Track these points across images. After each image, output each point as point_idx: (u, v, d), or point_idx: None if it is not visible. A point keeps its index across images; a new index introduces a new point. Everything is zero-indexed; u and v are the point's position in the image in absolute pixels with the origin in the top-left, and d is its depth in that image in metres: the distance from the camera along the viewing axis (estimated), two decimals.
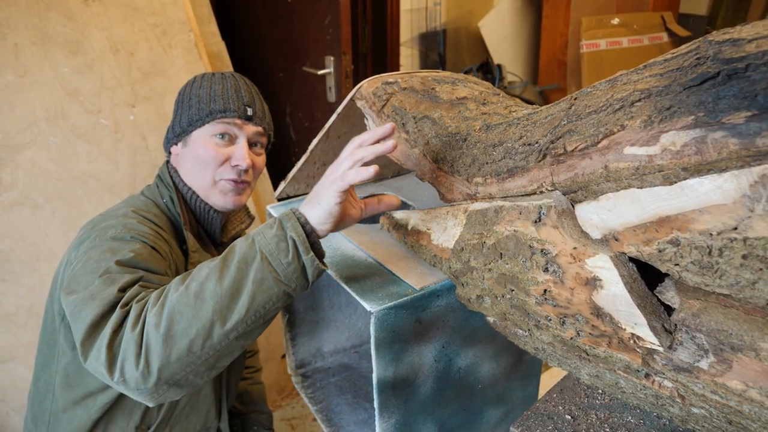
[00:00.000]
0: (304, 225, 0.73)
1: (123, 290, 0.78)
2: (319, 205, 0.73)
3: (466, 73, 2.84)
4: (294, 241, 0.72)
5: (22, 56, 1.45)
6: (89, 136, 1.56)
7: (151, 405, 0.77)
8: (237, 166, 1.04)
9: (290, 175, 1.05)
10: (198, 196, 1.07)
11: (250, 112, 1.06)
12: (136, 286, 0.79)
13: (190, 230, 1.05)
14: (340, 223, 0.75)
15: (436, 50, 2.85)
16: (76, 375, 0.96)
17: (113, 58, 1.61)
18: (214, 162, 1.04)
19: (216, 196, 1.07)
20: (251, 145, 1.08)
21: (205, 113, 1.03)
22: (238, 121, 1.04)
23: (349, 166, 0.71)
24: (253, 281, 0.71)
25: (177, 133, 1.07)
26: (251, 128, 1.07)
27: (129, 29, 1.64)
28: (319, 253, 0.75)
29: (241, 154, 1.04)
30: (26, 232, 1.47)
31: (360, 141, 0.73)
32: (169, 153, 1.11)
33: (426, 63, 2.86)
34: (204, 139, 1.04)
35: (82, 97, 1.55)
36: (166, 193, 1.06)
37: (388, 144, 0.70)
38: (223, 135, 1.04)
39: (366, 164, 0.71)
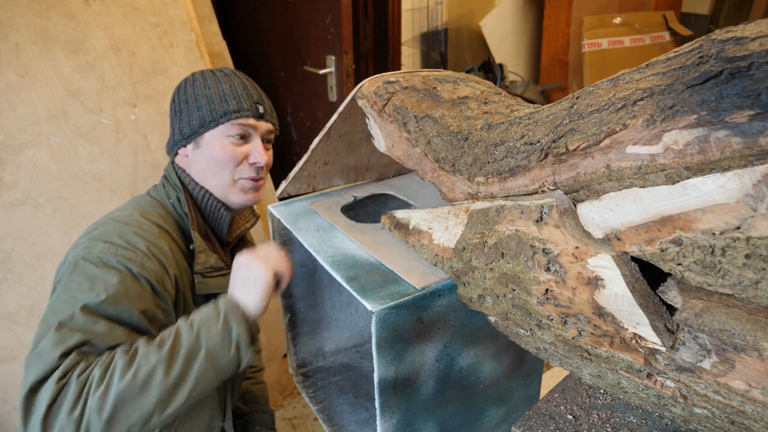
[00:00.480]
0: (248, 318, 0.83)
1: (65, 355, 0.78)
2: (256, 283, 0.84)
3: (467, 72, 2.83)
4: (238, 339, 0.81)
5: (23, 56, 1.45)
6: (90, 135, 1.56)
7: None
8: (255, 163, 1.07)
9: (292, 174, 1.05)
10: (211, 196, 1.07)
11: (261, 110, 1.07)
12: (74, 354, 0.78)
13: (198, 230, 1.05)
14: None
15: (438, 49, 2.85)
16: None
17: (114, 57, 1.61)
18: (232, 162, 1.05)
19: (236, 195, 1.08)
20: (262, 141, 1.09)
21: (219, 114, 1.04)
22: (252, 121, 1.06)
23: (280, 262, 0.88)
24: (196, 373, 0.78)
25: (186, 135, 1.06)
26: (264, 126, 1.08)
27: (130, 29, 1.64)
28: (254, 340, 0.84)
29: (259, 151, 1.07)
30: (27, 232, 1.47)
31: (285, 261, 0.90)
32: (175, 154, 1.11)
33: (427, 62, 2.86)
34: (219, 140, 1.04)
35: (84, 97, 1.55)
36: (173, 194, 1.06)
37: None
38: (239, 135, 1.05)
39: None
